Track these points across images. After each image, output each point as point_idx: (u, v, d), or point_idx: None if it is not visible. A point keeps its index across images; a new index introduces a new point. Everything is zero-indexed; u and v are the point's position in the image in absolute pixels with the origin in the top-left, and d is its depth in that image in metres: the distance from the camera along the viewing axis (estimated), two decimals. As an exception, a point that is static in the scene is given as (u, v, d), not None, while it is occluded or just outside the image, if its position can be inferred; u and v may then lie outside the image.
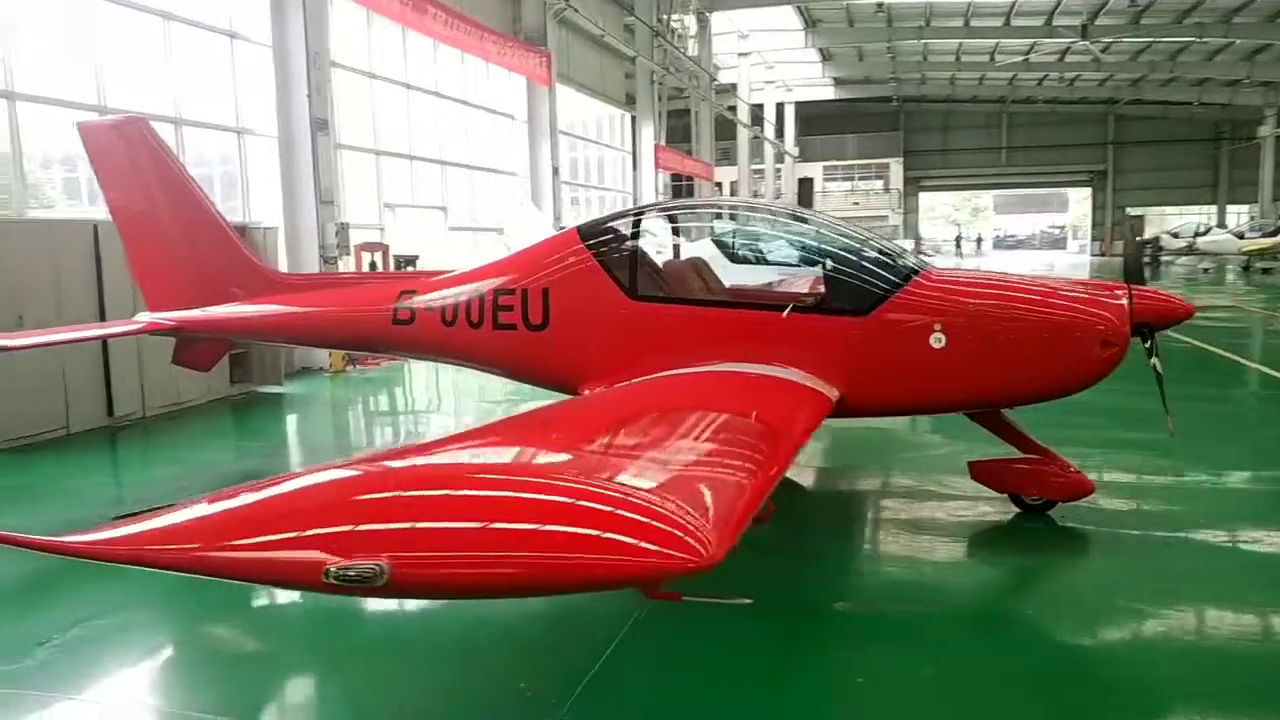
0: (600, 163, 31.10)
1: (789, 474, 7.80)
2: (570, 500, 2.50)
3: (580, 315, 6.75)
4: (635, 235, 6.82)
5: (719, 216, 7.55)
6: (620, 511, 2.40)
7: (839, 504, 7.51)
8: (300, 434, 11.10)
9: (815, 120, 60.32)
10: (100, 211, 9.28)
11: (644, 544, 2.27)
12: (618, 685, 4.24)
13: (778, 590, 5.50)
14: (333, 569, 2.10)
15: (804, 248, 6.93)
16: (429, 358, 7.63)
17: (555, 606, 5.07)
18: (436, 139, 19.70)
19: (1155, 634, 4.94)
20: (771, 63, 48.88)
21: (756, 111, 47.31)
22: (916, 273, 6.30)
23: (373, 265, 15.11)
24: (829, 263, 6.51)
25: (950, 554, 6.24)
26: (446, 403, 12.92)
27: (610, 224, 6.95)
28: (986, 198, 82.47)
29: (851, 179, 63.97)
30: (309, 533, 2.27)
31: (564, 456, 3.22)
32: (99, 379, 10.29)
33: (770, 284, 7.02)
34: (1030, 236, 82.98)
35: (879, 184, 63.86)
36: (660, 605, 4.79)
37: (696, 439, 3.76)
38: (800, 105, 56.10)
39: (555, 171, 22.83)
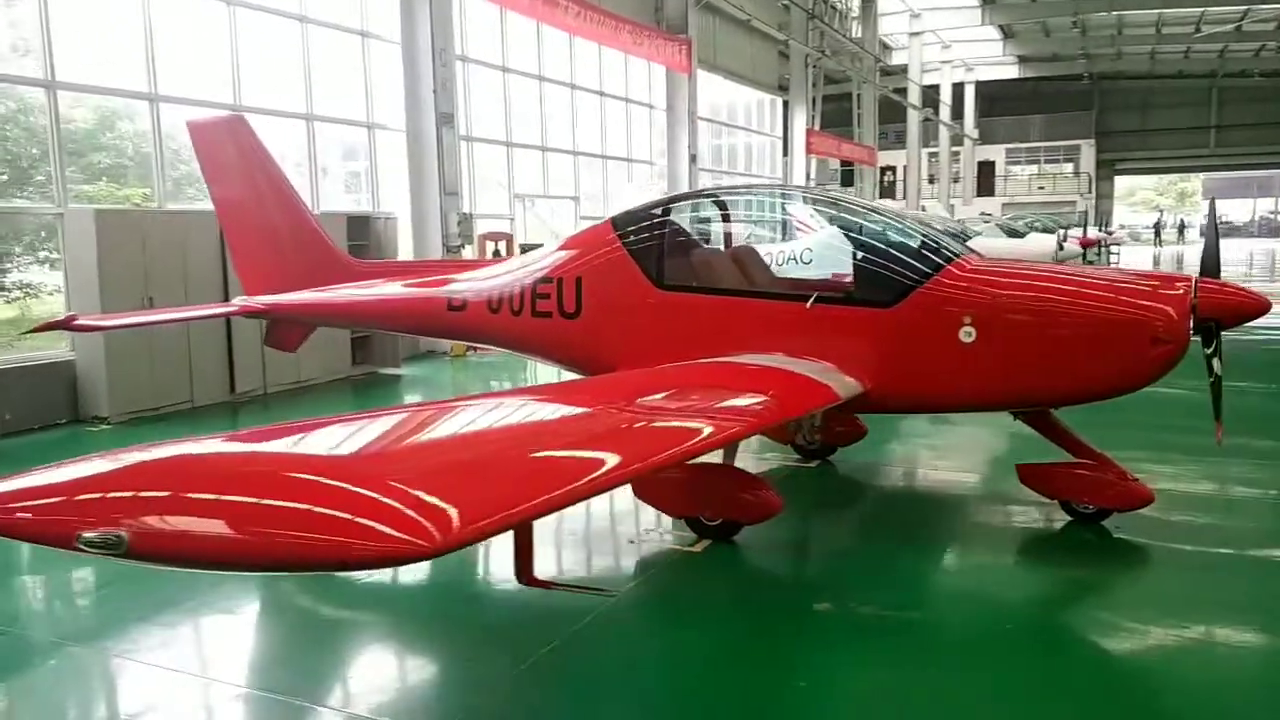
0: (747, 149, 30.77)
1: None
2: (312, 479, 2.57)
3: (610, 304, 6.79)
4: (664, 224, 6.78)
5: (747, 204, 7.36)
6: (364, 492, 2.46)
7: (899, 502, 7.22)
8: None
9: (998, 101, 57.31)
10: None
11: (378, 527, 2.31)
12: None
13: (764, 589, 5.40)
14: (84, 535, 2.30)
15: (832, 236, 6.67)
16: (482, 343, 7.86)
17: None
18: (570, 129, 20.11)
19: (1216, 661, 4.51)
20: (948, 42, 46.82)
21: (929, 93, 45.45)
22: (949, 262, 5.96)
23: (496, 253, 15.64)
24: (858, 252, 6.25)
25: (996, 561, 5.88)
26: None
27: (641, 213, 6.94)
28: (1195, 180, 75.91)
29: (1037, 161, 60.39)
30: (78, 498, 2.50)
31: (351, 444, 3.28)
32: (222, 357, 11.19)
33: (803, 274, 6.78)
34: (1247, 223, 75.72)
35: (1068, 167, 59.98)
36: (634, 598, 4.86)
37: (529, 432, 3.80)
38: (980, 85, 53.41)
39: (693, 159, 22.84)
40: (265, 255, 8.65)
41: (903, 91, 41.73)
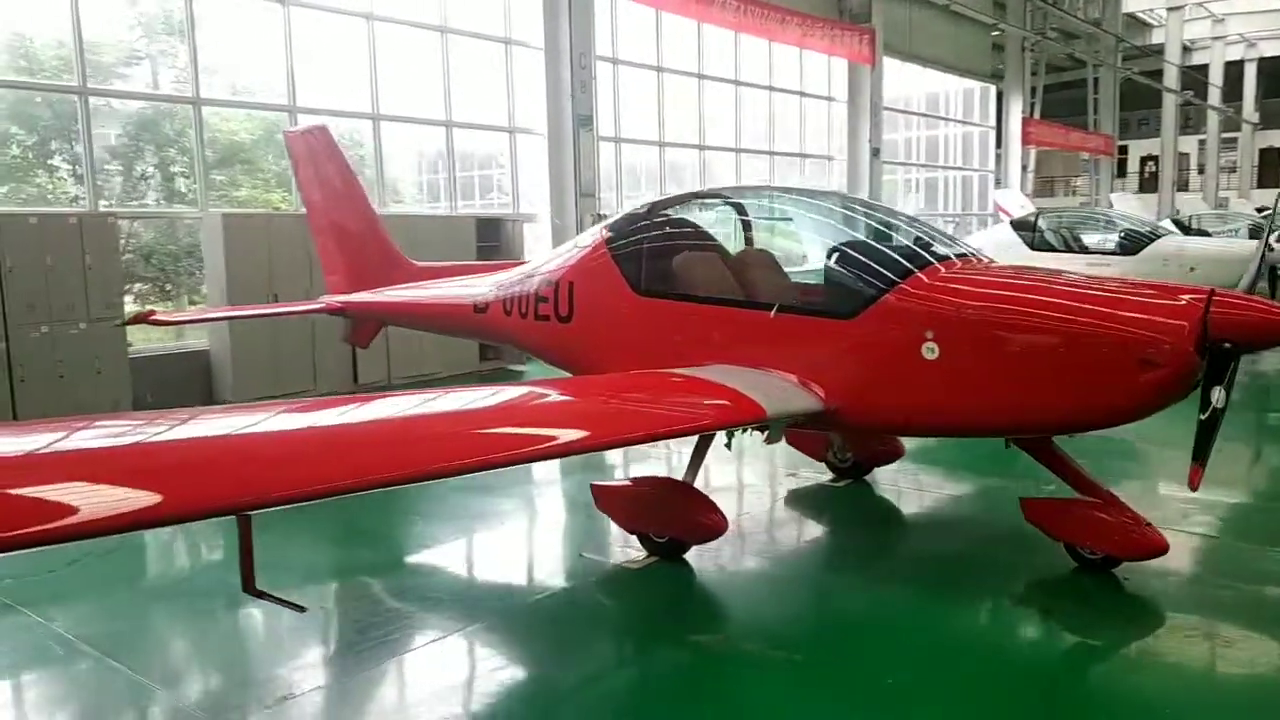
0: (948, 141, 28.91)
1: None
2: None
3: (595, 309, 6.68)
4: (647, 229, 6.58)
5: (727, 206, 6.94)
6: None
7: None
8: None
9: (1285, 79, 50.48)
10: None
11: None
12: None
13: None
14: None
15: (804, 240, 6.17)
16: (502, 345, 7.96)
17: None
18: (734, 126, 19.82)
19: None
20: (1220, 15, 41.94)
21: (1191, 75, 40.82)
22: (920, 270, 5.36)
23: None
24: (828, 257, 5.77)
25: (957, 606, 5.24)
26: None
27: (627, 218, 6.77)
28: None
29: (1338, 147, 52.56)
30: None
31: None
32: (346, 349, 12.01)
33: (782, 281, 6.31)
34: None
35: (1376, 152, 51.76)
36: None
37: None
38: (1264, 62, 47.25)
39: (875, 153, 21.83)
40: (341, 256, 9.21)
41: (1156, 74, 37.71)
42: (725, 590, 5.55)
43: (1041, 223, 15.82)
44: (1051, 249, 15.43)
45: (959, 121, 29.15)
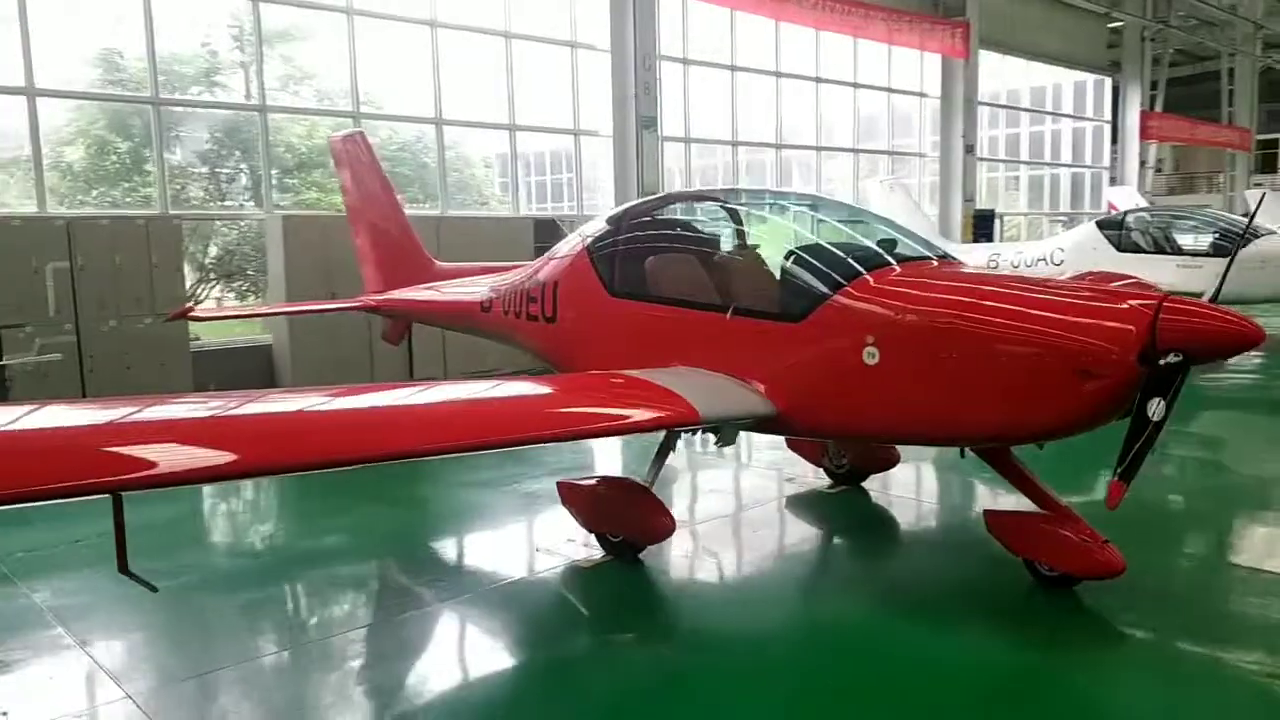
0: (1058, 136, 27.51)
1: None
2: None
3: (574, 309, 6.77)
4: (618, 231, 6.61)
5: (698, 208, 6.84)
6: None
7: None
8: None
9: None
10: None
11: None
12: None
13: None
14: None
15: (763, 242, 6.05)
16: (504, 344, 8.09)
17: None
18: (815, 125, 19.48)
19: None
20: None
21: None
22: (869, 271, 5.23)
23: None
24: (779, 259, 5.68)
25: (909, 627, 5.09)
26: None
27: (608, 220, 6.80)
28: None
29: None
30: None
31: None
32: (402, 344, 12.43)
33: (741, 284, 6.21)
34: None
35: None
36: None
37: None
38: None
39: (969, 149, 21.06)
40: (376, 256, 9.59)
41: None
42: (670, 592, 5.55)
43: (1130, 221, 14.94)
44: (1139, 250, 14.57)
45: (1069, 116, 27.80)
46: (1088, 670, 4.36)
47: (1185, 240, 14.53)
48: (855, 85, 20.24)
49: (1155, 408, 4.30)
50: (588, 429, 5.03)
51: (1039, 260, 16.04)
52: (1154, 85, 27.81)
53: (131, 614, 5.14)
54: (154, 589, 3.47)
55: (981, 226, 21.19)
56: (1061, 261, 15.60)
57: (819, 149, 19.69)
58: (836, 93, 19.86)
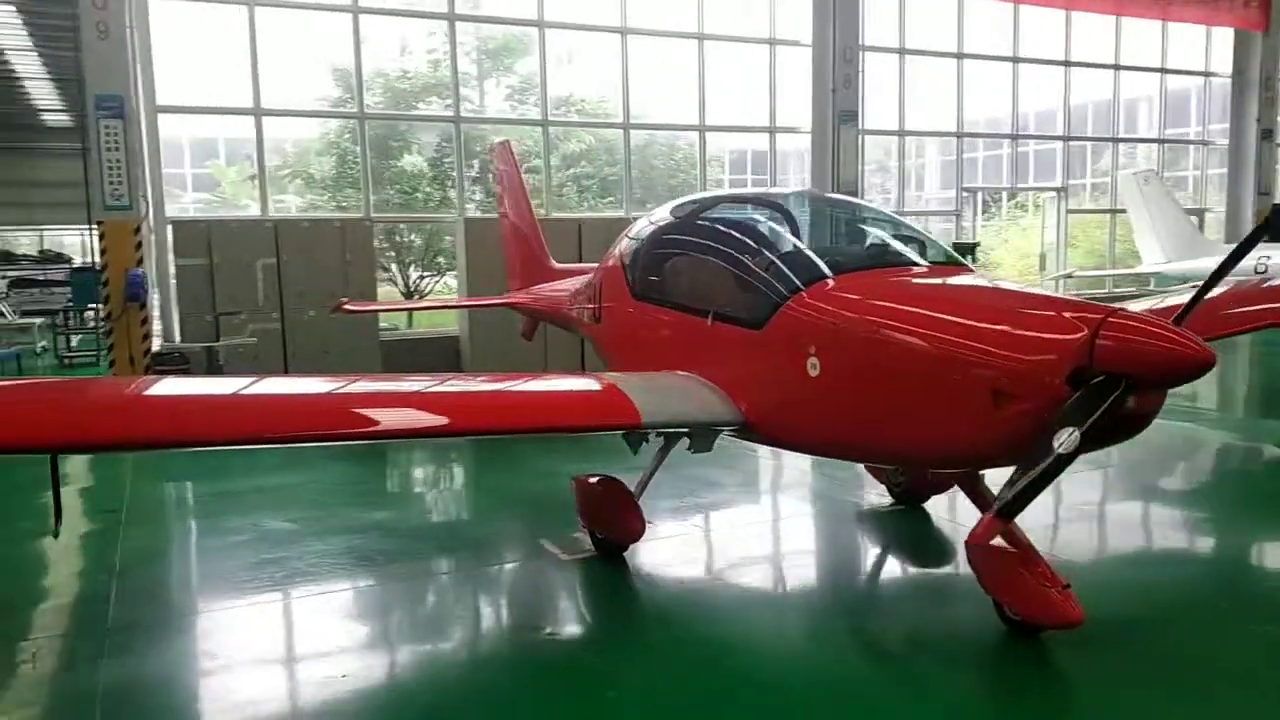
0: None
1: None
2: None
3: (610, 311, 6.89)
4: (646, 233, 6.62)
5: (721, 211, 6.54)
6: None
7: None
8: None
9: None
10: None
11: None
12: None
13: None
14: None
15: (744, 247, 5.72)
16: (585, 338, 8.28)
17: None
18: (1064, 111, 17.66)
19: None
20: None
21: None
22: (821, 279, 4.92)
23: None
24: (756, 265, 5.44)
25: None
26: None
27: (643, 223, 6.82)
28: None
29: None
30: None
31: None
32: (573, 337, 13.01)
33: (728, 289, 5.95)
34: None
35: None
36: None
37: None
38: None
39: (1266, 134, 18.05)
40: (516, 257, 10.20)
41: None
42: (676, 593, 5.53)
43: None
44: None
45: None
46: None
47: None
48: (1116, 68, 18.05)
49: (1066, 438, 3.73)
50: (525, 426, 5.18)
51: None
52: None
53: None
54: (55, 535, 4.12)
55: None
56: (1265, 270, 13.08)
57: (1066, 139, 17.84)
58: (1087, 76, 17.89)
